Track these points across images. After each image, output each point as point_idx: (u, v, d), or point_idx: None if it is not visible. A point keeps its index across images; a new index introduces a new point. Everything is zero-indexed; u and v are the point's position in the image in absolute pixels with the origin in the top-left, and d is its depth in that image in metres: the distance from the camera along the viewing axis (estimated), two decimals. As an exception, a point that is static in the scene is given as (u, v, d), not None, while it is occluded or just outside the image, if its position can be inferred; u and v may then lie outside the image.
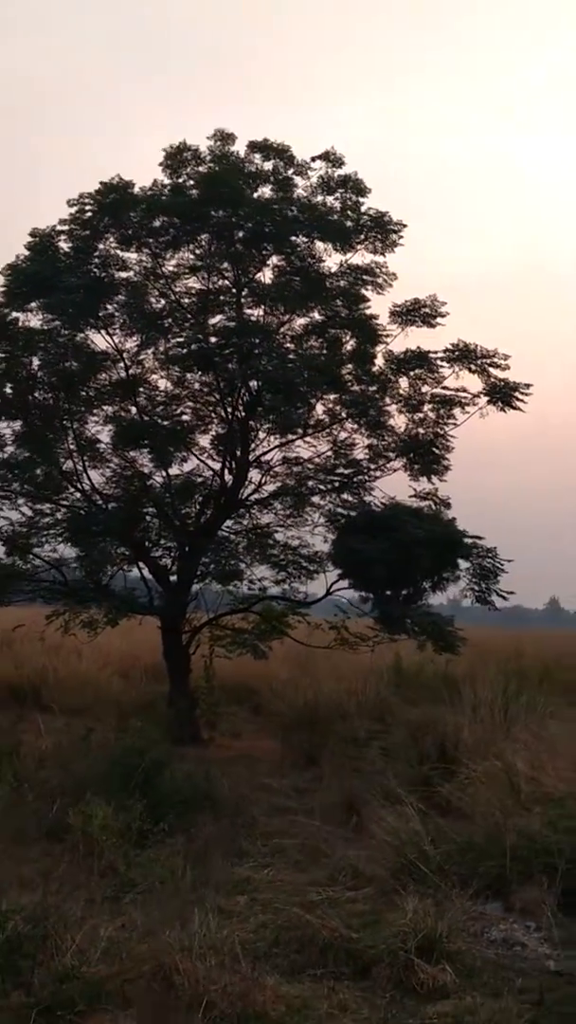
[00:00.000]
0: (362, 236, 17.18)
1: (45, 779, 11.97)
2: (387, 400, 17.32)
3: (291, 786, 13.20)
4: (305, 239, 17.15)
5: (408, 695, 19.92)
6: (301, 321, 17.74)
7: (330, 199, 17.55)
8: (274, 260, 17.60)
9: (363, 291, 17.46)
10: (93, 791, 10.35)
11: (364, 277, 17.34)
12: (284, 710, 17.82)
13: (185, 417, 18.17)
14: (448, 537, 16.08)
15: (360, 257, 17.40)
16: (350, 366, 17.42)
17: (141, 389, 18.00)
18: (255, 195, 17.37)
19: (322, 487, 17.68)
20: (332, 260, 17.52)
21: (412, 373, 17.19)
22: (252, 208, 17.01)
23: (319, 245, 17.26)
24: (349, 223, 17.15)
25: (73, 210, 16.98)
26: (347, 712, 17.66)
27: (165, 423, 17.94)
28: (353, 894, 8.62)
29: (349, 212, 17.48)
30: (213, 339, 17.01)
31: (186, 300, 17.72)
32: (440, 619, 16.04)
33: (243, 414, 17.65)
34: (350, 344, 17.80)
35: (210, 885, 8.85)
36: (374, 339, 17.44)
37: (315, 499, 17.82)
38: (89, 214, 16.99)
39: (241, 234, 17.14)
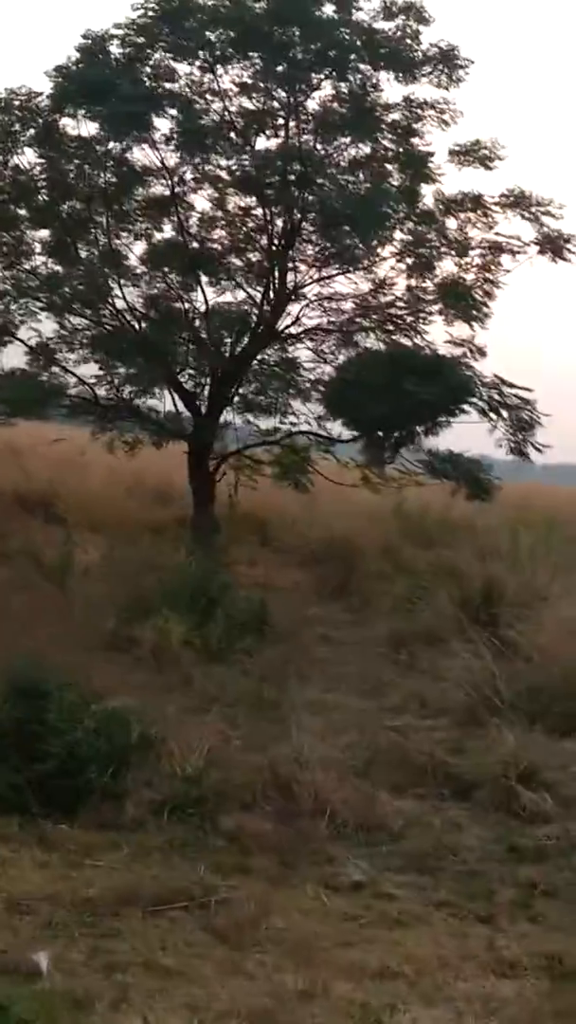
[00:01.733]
0: (428, 69, 16.63)
1: (97, 593, 12.19)
2: (439, 241, 17.09)
3: (329, 618, 13.52)
4: (368, 66, 16.58)
5: (412, 538, 20.19)
6: (350, 152, 17.32)
7: (390, 25, 16.93)
8: (328, 86, 17.06)
9: (422, 127, 16.98)
10: (165, 607, 10.59)
11: (426, 112, 16.84)
12: (299, 544, 18.04)
13: (222, 242, 17.88)
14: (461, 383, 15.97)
15: (426, 91, 16.91)
16: (403, 205, 17.02)
17: (179, 209, 17.61)
18: (317, 14, 16.68)
19: (369, 325, 17.51)
20: (393, 92, 17.02)
21: (462, 216, 16.97)
22: (312, 28, 16.36)
23: (382, 75, 16.73)
24: (415, 54, 16.56)
25: (136, 15, 16.30)
26: (360, 550, 17.89)
27: (200, 245, 17.68)
28: (432, 723, 8.99)
29: (408, 41, 16.88)
30: (258, 162, 16.62)
31: (235, 119, 17.18)
32: (474, 464, 16.18)
33: (282, 243, 17.39)
34: (396, 180, 17.41)
35: (286, 705, 9.14)
36: (423, 176, 17.09)
37: (360, 337, 17.68)
38: (148, 21, 16.30)
39: (300, 55, 16.53)
